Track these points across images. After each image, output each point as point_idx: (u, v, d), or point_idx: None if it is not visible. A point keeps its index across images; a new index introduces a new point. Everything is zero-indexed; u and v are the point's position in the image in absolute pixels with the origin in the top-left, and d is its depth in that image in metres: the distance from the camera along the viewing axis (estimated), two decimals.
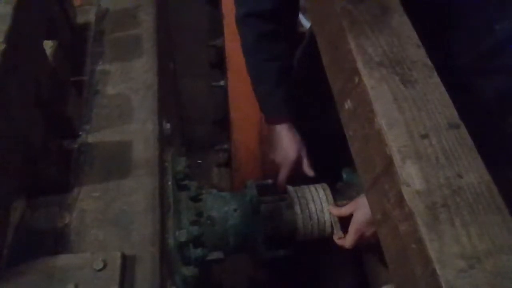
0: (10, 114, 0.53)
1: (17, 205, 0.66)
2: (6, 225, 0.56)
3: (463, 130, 0.47)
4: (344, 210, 0.92)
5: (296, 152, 1.08)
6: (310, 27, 1.31)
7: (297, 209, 0.97)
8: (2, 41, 0.51)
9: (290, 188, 1.02)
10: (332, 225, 0.96)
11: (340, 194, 0.99)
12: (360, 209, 0.89)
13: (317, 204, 0.97)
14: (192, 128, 1.78)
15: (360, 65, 0.51)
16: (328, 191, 0.99)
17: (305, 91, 1.15)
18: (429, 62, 0.52)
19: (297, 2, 1.00)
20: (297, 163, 1.09)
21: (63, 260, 0.57)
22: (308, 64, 1.12)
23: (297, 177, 1.10)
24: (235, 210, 0.92)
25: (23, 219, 0.65)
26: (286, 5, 0.98)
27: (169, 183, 0.78)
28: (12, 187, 0.54)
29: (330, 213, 0.96)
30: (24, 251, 0.61)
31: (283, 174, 1.09)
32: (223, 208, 0.92)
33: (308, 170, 1.08)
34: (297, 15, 1.09)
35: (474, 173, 0.44)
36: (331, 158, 1.07)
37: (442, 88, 0.50)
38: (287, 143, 1.08)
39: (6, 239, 0.60)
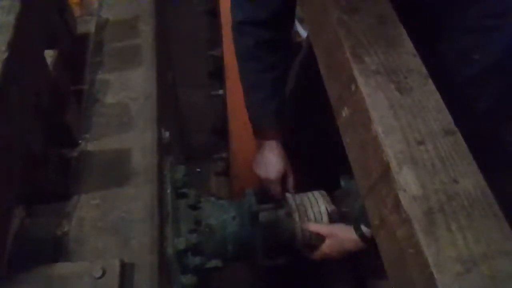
0: (10, 122, 0.54)
1: (16, 213, 0.66)
2: (6, 233, 0.56)
3: (458, 136, 0.47)
4: (320, 230, 0.94)
5: (278, 172, 1.08)
6: (308, 36, 1.33)
7: (296, 216, 0.97)
8: (5, 50, 0.52)
9: (288, 195, 1.02)
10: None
11: (338, 201, 1.00)
12: (331, 239, 0.93)
13: (316, 211, 0.98)
14: (191, 137, 1.79)
15: (356, 73, 0.52)
16: (327, 198, 0.99)
17: (304, 99, 1.16)
18: (424, 70, 0.53)
19: (294, 11, 1.01)
20: (279, 182, 1.09)
21: (62, 268, 0.57)
22: (306, 73, 1.13)
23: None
24: (233, 218, 0.92)
25: (23, 227, 0.65)
26: (283, 15, 0.99)
27: (168, 191, 0.79)
28: (12, 194, 0.55)
29: (328, 217, 0.96)
30: (23, 259, 0.61)
31: (274, 189, 1.09)
32: (221, 216, 0.92)
33: (291, 190, 1.08)
34: (293, 24, 1.10)
35: (470, 179, 0.44)
36: (329, 165, 1.07)
37: (437, 96, 0.51)
38: (271, 161, 1.08)
39: (6, 247, 0.59)
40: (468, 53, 0.76)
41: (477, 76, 0.77)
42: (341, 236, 0.91)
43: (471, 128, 0.52)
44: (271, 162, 1.09)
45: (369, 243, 0.87)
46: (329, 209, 0.97)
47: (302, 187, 1.07)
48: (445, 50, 0.76)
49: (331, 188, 1.02)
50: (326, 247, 0.93)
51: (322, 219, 0.97)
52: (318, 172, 1.12)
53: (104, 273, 0.56)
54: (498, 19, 0.73)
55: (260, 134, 1.11)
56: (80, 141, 0.77)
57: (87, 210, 0.68)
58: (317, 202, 0.99)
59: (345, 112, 0.55)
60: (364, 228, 0.87)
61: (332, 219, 0.97)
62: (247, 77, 1.07)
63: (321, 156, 1.13)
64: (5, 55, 0.52)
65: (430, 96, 0.50)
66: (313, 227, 0.94)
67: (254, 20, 0.97)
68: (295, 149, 1.15)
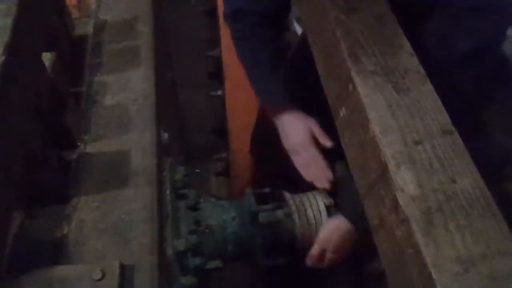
0: (10, 124, 0.54)
1: (16, 215, 0.66)
2: (6, 234, 0.56)
3: (456, 136, 0.47)
4: (313, 248, 0.94)
5: (305, 133, 1.01)
6: (301, 34, 1.33)
7: (296, 217, 0.97)
8: (2, 53, 0.52)
9: (288, 195, 1.02)
10: None
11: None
12: (325, 250, 0.93)
13: (315, 211, 0.98)
14: (191, 137, 1.79)
15: (354, 73, 0.52)
16: (327, 197, 0.99)
17: (301, 98, 1.16)
18: (421, 70, 0.53)
19: (289, 7, 1.01)
20: (312, 142, 1.01)
21: (62, 270, 0.57)
22: (301, 71, 1.12)
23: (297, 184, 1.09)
24: (233, 218, 0.92)
25: (23, 229, 0.65)
26: (279, 9, 0.99)
27: (167, 192, 0.79)
28: (12, 194, 0.55)
29: (327, 214, 0.97)
30: (23, 260, 0.61)
31: (309, 152, 1.01)
32: (221, 217, 0.92)
33: (324, 141, 0.99)
34: (288, 16, 1.09)
35: (468, 178, 0.44)
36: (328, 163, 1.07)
37: (435, 95, 0.51)
38: (295, 126, 1.02)
39: (6, 248, 0.60)
40: (457, 36, 0.76)
41: (465, 59, 0.76)
42: (332, 240, 0.92)
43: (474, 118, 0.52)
44: (295, 127, 1.02)
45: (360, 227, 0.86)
46: (326, 203, 0.97)
47: (301, 187, 1.07)
48: (432, 32, 0.76)
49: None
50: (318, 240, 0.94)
51: (321, 217, 0.97)
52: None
53: (103, 275, 0.56)
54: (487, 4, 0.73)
55: (272, 110, 1.05)
56: (79, 143, 0.77)
57: (87, 211, 0.68)
58: (316, 201, 0.99)
59: (343, 112, 0.55)
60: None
61: (331, 215, 0.97)
62: (245, 54, 1.04)
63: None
64: (3, 57, 0.52)
65: (428, 96, 0.50)
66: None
67: (249, 10, 0.97)
68: None
